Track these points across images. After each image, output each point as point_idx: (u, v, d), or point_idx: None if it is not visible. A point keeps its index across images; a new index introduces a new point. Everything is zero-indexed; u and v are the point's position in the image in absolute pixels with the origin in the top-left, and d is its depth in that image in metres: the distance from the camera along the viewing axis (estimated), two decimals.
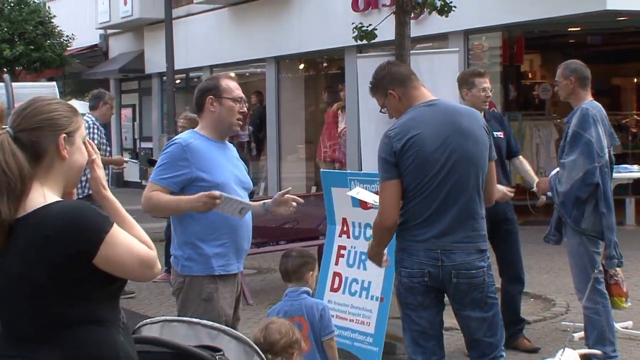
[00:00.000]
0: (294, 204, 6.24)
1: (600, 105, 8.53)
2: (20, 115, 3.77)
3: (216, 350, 4.14)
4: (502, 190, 8.62)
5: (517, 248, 9.39)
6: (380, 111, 6.31)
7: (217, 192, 5.80)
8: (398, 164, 5.79)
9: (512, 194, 8.63)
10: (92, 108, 13.32)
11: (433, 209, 5.77)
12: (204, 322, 4.50)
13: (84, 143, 3.96)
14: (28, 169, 3.62)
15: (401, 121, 5.90)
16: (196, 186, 5.98)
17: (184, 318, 4.49)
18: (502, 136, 9.12)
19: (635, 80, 24.36)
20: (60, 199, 3.73)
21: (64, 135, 3.76)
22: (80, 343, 3.66)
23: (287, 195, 6.25)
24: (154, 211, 6.14)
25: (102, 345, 3.70)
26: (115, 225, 3.68)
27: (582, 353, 8.09)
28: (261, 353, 4.49)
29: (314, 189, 22.38)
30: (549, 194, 8.77)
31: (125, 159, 18.91)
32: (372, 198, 6.99)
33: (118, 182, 29.07)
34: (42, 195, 3.65)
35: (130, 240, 3.73)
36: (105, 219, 3.69)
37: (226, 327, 4.53)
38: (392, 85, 6.06)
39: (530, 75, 22.71)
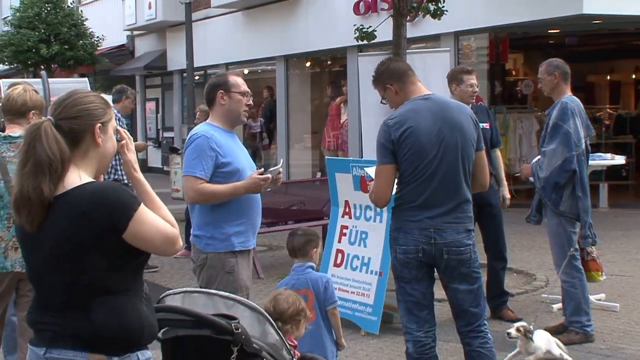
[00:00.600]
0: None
1: (578, 99, 8.57)
2: (61, 105, 3.84)
3: (232, 318, 4.18)
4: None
5: (500, 229, 9.41)
6: (381, 102, 6.32)
7: (268, 175, 6.07)
8: (395, 151, 5.80)
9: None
10: (115, 101, 13.37)
11: (427, 193, 5.78)
12: (221, 293, 4.56)
13: (118, 130, 4.07)
14: (67, 153, 3.70)
15: (399, 112, 5.91)
16: (219, 172, 6.09)
17: (203, 289, 4.51)
18: (487, 127, 9.14)
19: (608, 77, 24.41)
20: (93, 180, 3.81)
21: (99, 124, 3.85)
22: (107, 311, 3.70)
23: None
24: (209, 201, 6.10)
25: (127, 313, 3.75)
26: (142, 205, 3.76)
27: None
28: (272, 320, 4.51)
29: (318, 174, 22.41)
30: (531, 178, 8.80)
31: (148, 143, 18.97)
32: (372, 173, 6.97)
33: (142, 167, 28.84)
34: (78, 176, 3.74)
35: (156, 218, 3.80)
36: (134, 198, 3.77)
37: (241, 298, 4.57)
38: (391, 79, 6.07)
39: (514, 73, 22.72)
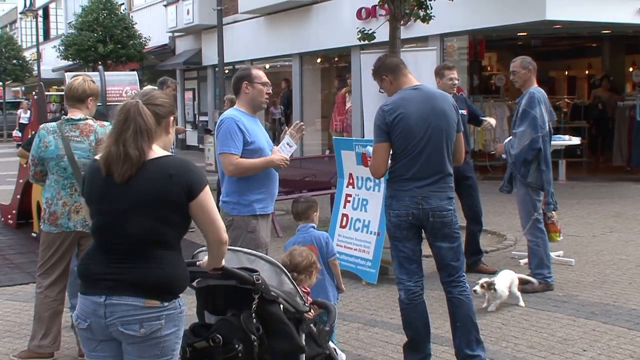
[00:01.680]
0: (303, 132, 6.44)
1: (543, 90, 8.60)
2: (148, 95, 3.97)
3: (254, 271, 4.23)
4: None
5: (476, 197, 9.41)
6: (380, 91, 6.29)
7: (286, 155, 6.19)
8: (389, 132, 5.78)
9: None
10: (159, 90, 13.33)
11: (416, 168, 5.75)
12: (245, 250, 4.63)
13: None
14: (154, 126, 3.82)
15: (393, 99, 5.88)
16: (245, 149, 6.08)
17: (230, 247, 4.43)
18: (465, 113, 9.14)
19: (566, 73, 24.39)
20: (169, 154, 3.89)
21: (173, 117, 4.05)
22: (164, 262, 3.77)
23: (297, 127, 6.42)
24: (244, 173, 6.08)
25: (178, 266, 3.84)
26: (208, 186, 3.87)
27: (520, 277, 8.18)
28: (287, 272, 4.55)
29: (327, 152, 22.42)
30: (504, 155, 8.81)
31: (184, 128, 18.91)
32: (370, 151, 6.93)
33: (182, 146, 29.18)
34: (155, 148, 3.83)
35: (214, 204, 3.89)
36: (205, 177, 3.88)
37: (261, 254, 4.60)
38: (386, 72, 6.03)
39: (489, 68, 22.65)
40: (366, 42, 12.90)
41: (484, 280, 7.82)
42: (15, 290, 8.98)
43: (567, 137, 11.19)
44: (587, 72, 24.39)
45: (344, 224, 9.38)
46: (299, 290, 4.55)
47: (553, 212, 9.05)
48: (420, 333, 5.92)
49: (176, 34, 32.70)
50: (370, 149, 6.64)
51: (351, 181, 9.36)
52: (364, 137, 11.42)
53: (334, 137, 17.85)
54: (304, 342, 4.44)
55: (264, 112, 23.65)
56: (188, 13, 29.26)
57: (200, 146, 27.00)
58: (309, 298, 5.00)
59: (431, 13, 12.54)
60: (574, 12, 16.49)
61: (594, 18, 16.86)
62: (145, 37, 31.29)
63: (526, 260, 9.04)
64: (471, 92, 19.09)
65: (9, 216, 13.45)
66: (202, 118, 31.23)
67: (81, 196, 5.52)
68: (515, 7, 16.72)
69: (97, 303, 3.75)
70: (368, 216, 9.04)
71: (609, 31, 19.58)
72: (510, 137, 8.73)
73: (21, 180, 12.79)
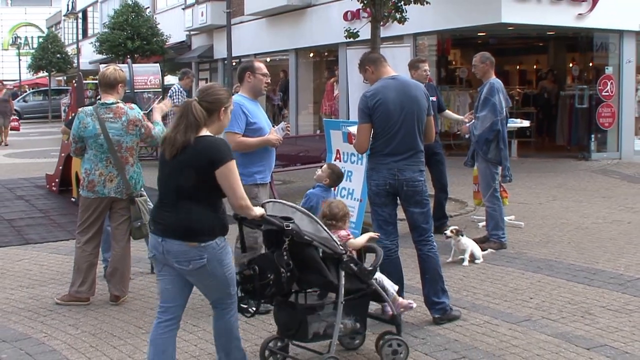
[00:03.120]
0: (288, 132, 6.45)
1: (500, 81, 8.58)
2: (204, 92, 4.36)
3: (288, 219, 4.52)
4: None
5: (443, 170, 9.38)
6: (364, 82, 6.25)
7: (278, 137, 6.20)
8: (370, 115, 5.74)
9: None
10: (180, 79, 13.26)
11: (392, 145, 5.71)
12: (289, 203, 4.78)
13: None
14: (206, 119, 4.23)
15: (374, 87, 5.83)
16: (248, 129, 6.08)
17: (282, 201, 4.85)
18: (435, 100, 9.09)
19: (518, 67, 24.27)
20: (210, 135, 4.27)
21: (224, 108, 4.36)
22: (192, 212, 4.16)
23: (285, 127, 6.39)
24: (245, 150, 6.04)
25: (208, 215, 4.19)
26: (234, 162, 4.18)
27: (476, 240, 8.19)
28: (320, 222, 4.72)
29: (318, 131, 22.38)
30: (467, 135, 8.82)
31: None
32: (354, 130, 6.87)
33: None
34: (205, 132, 4.23)
35: (238, 178, 4.23)
36: (232, 154, 4.21)
37: (300, 207, 4.74)
38: (368, 64, 5.99)
39: (454, 63, 22.45)
40: (351, 39, 12.81)
41: (453, 227, 7.91)
42: (58, 245, 8.95)
43: (519, 120, 11.18)
44: (535, 66, 24.29)
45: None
46: (333, 236, 4.71)
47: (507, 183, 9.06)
48: (395, 284, 5.90)
49: (192, 32, 32.53)
50: (352, 128, 6.61)
51: (338, 156, 9.30)
52: (349, 119, 11.36)
53: (324, 119, 17.81)
54: (341, 279, 4.65)
55: (266, 99, 23.58)
56: (202, 15, 29.19)
57: None
58: (349, 237, 5.19)
59: (406, 15, 12.48)
60: (525, 17, 16.44)
61: (541, 22, 16.83)
62: (166, 35, 31.13)
63: (484, 223, 9.03)
64: (439, 83, 19.00)
65: (53, 184, 13.40)
66: None
67: (115, 167, 5.69)
68: (476, 12, 16.66)
69: (157, 241, 4.24)
70: (352, 185, 8.98)
71: (553, 33, 19.51)
72: (473, 120, 8.71)
73: (63, 154, 12.74)
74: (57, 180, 13.12)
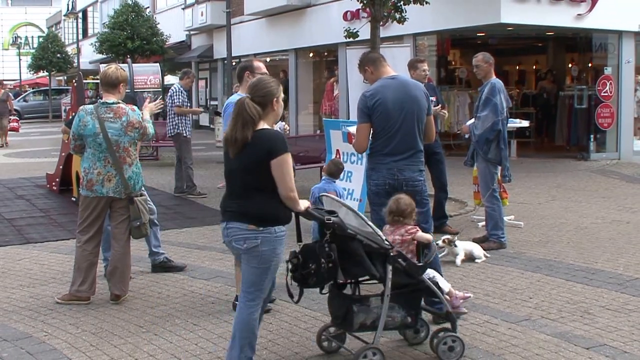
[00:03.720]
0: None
1: (501, 81, 8.59)
2: (255, 88, 4.55)
3: (332, 213, 4.71)
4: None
5: (443, 170, 9.38)
6: (364, 81, 6.26)
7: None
8: (370, 115, 5.75)
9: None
10: (180, 79, 13.20)
11: (392, 145, 5.72)
12: (337, 199, 5.05)
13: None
14: (260, 113, 4.45)
15: (374, 87, 5.83)
16: None
17: (332, 196, 5.12)
18: (434, 100, 9.09)
19: (517, 67, 24.28)
20: (270, 128, 4.53)
21: (275, 99, 4.55)
22: (259, 200, 4.46)
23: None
24: None
25: (269, 203, 4.47)
26: (289, 155, 4.44)
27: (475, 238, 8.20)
28: (364, 217, 4.89)
29: (317, 131, 22.35)
30: (467, 135, 8.84)
31: (202, 109, 18.85)
32: (354, 130, 6.89)
33: (196, 126, 29.14)
34: (262, 125, 4.46)
35: (291, 171, 4.47)
36: (287, 147, 4.45)
37: (346, 203, 4.94)
38: (368, 64, 6.00)
39: (453, 63, 22.45)
40: (351, 39, 12.80)
41: (446, 237, 7.88)
42: (59, 245, 8.95)
43: (518, 120, 11.18)
44: (534, 67, 24.30)
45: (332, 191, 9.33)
46: (378, 231, 4.84)
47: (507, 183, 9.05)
48: None
49: (192, 32, 32.54)
50: (352, 128, 6.63)
51: (338, 156, 9.31)
52: (349, 119, 11.38)
53: (324, 118, 17.81)
54: (388, 273, 4.78)
55: None
56: (202, 15, 29.22)
57: (211, 126, 26.92)
58: (416, 230, 5.27)
59: (405, 16, 12.47)
60: (524, 17, 16.44)
61: (540, 22, 16.83)
62: (166, 35, 31.10)
63: (484, 223, 9.02)
64: (439, 83, 19.01)
65: (53, 183, 13.40)
66: (213, 102, 31.13)
67: (113, 167, 5.77)
68: (475, 12, 16.66)
69: (223, 227, 4.59)
70: (352, 185, 8.99)
71: (552, 33, 19.53)
72: (474, 120, 8.70)
73: (63, 154, 12.75)
74: (57, 179, 13.12)
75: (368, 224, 4.80)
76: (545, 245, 8.58)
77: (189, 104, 13.30)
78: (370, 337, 4.90)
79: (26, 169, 17.32)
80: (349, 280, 4.97)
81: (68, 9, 46.50)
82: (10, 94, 31.38)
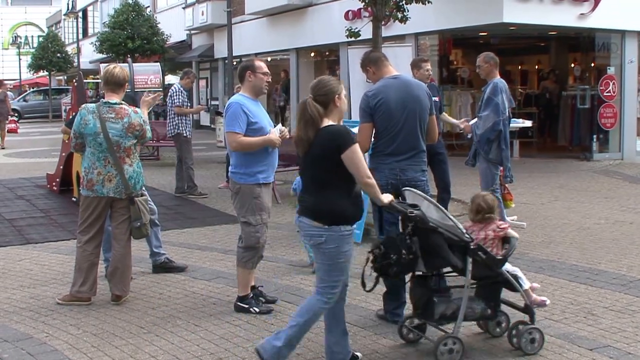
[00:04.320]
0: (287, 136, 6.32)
1: (504, 81, 8.59)
2: (316, 87, 4.74)
3: (414, 206, 4.91)
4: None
5: (446, 170, 9.38)
6: (367, 81, 6.26)
7: (278, 137, 6.11)
8: (372, 114, 5.74)
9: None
10: (181, 79, 13.20)
11: (395, 145, 5.71)
12: (421, 193, 5.18)
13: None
14: (322, 112, 4.63)
15: (376, 86, 5.83)
16: (250, 129, 6.00)
17: (418, 192, 5.26)
18: (437, 100, 9.09)
19: (519, 67, 24.28)
20: (335, 124, 4.70)
21: (337, 95, 4.73)
22: (325, 196, 4.63)
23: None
24: (245, 149, 6.00)
25: (337, 200, 4.62)
26: (357, 145, 4.60)
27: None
28: (446, 211, 5.03)
29: None
30: (469, 135, 8.84)
31: (203, 107, 18.84)
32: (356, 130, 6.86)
33: (197, 125, 29.16)
34: (326, 122, 4.64)
35: (362, 159, 4.65)
36: (354, 138, 4.62)
37: (429, 198, 5.14)
38: (369, 64, 6.00)
39: (455, 63, 22.45)
40: (353, 39, 12.80)
41: None
42: (59, 245, 8.95)
43: (521, 120, 11.19)
44: (536, 66, 24.30)
45: None
46: (459, 225, 5.00)
47: (509, 184, 9.05)
48: (397, 283, 5.89)
49: (192, 32, 32.57)
50: (355, 129, 6.62)
51: None
52: (350, 119, 11.35)
53: None
54: (468, 265, 4.94)
55: (267, 98, 23.54)
56: (203, 14, 29.25)
57: (212, 126, 26.94)
58: (506, 225, 5.41)
59: (407, 15, 12.46)
60: (526, 16, 16.45)
61: (543, 21, 16.84)
62: (166, 35, 31.13)
63: None
64: (440, 83, 19.02)
65: (54, 183, 13.40)
66: (214, 102, 31.15)
67: (113, 167, 5.79)
68: (478, 11, 16.66)
69: (297, 219, 4.90)
70: None
71: (555, 32, 19.53)
72: (476, 120, 8.70)
73: (64, 154, 12.75)
74: (57, 179, 13.13)
75: (449, 217, 4.96)
76: (548, 246, 8.58)
77: (189, 104, 13.30)
78: (450, 328, 5.07)
79: (26, 169, 17.33)
80: (431, 272, 5.14)
81: (68, 9, 46.56)
82: (10, 94, 31.40)
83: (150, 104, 7.02)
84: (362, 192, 4.78)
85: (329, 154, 4.56)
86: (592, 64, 19.94)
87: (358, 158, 4.58)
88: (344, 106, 4.76)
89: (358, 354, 5.04)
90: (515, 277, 5.31)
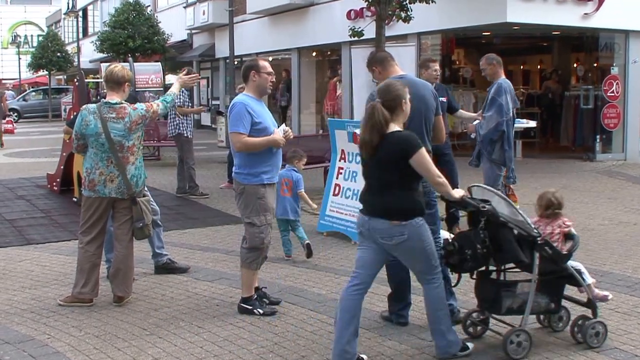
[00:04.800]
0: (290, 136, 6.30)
1: (509, 81, 8.59)
2: (384, 92, 4.96)
3: (486, 201, 5.08)
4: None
5: (454, 170, 9.33)
6: (373, 81, 6.23)
7: (283, 137, 6.10)
8: None
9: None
10: None
11: None
12: (490, 188, 5.35)
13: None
14: (389, 117, 4.84)
15: None
16: (254, 129, 5.97)
17: (479, 184, 5.52)
18: (445, 100, 9.09)
19: (522, 67, 24.27)
20: (401, 129, 4.92)
21: (404, 101, 4.96)
22: (394, 196, 4.86)
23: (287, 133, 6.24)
24: (249, 150, 5.98)
25: (404, 198, 4.86)
26: (423, 149, 4.81)
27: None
28: (516, 207, 5.20)
29: (320, 131, 22.36)
30: (473, 135, 8.85)
31: (203, 108, 18.86)
32: None
33: (197, 125, 29.14)
34: (393, 127, 4.86)
35: (430, 162, 4.87)
36: (420, 143, 4.84)
37: (501, 194, 5.27)
38: (375, 64, 5.98)
39: (457, 62, 22.42)
40: (356, 38, 12.78)
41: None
42: (60, 246, 8.93)
43: (525, 121, 11.18)
44: (539, 66, 24.30)
45: (336, 192, 9.29)
46: (528, 220, 5.17)
47: (513, 185, 9.02)
48: (403, 285, 5.87)
49: (193, 31, 32.54)
50: (356, 130, 6.60)
51: (343, 156, 9.28)
52: (352, 119, 11.35)
53: (329, 118, 17.80)
54: (535, 259, 5.09)
55: (269, 98, 23.52)
56: (204, 13, 29.23)
57: (213, 126, 26.92)
58: (569, 228, 5.55)
59: (411, 14, 12.43)
60: (530, 16, 16.40)
61: (546, 21, 16.80)
62: (167, 34, 31.07)
63: None
64: (443, 82, 18.98)
65: (54, 183, 13.38)
66: (214, 102, 31.15)
67: (116, 168, 5.78)
68: (481, 11, 16.62)
69: (364, 220, 4.95)
70: (357, 186, 8.94)
71: (558, 32, 19.51)
72: (479, 120, 8.70)
73: (64, 154, 12.73)
74: (58, 180, 13.10)
75: (519, 213, 5.11)
76: None
77: (190, 104, 13.28)
78: (511, 321, 5.34)
79: (26, 169, 17.31)
80: (500, 267, 5.32)
81: (68, 8, 46.58)
82: (10, 93, 31.37)
83: (187, 84, 7.18)
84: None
85: (397, 159, 4.79)
86: (595, 64, 19.92)
87: (427, 161, 4.83)
88: (408, 110, 5.00)
89: (364, 356, 5.02)
90: (579, 271, 5.47)
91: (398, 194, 4.84)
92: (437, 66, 9.14)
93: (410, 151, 4.76)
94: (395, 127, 4.87)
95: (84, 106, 6.61)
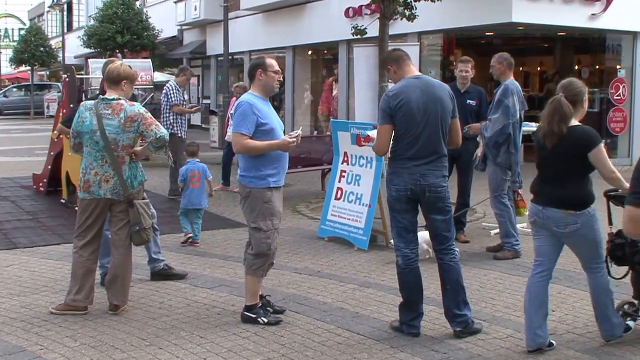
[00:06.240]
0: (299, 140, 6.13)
1: (517, 83, 8.51)
2: (568, 88, 5.28)
3: None
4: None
5: (467, 174, 9.34)
6: (388, 81, 6.16)
7: (293, 140, 5.97)
8: (392, 115, 5.62)
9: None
10: (177, 76, 13.08)
11: (415, 148, 5.59)
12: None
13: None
14: (572, 111, 5.19)
15: (397, 86, 5.72)
16: (260, 130, 5.88)
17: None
18: (473, 104, 9.07)
19: (521, 68, 24.30)
20: (580, 124, 5.25)
21: (584, 97, 5.35)
22: (571, 186, 5.20)
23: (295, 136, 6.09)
24: (249, 153, 5.89)
25: (581, 188, 5.22)
26: (602, 144, 5.16)
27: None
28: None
29: (315, 132, 22.31)
30: (478, 138, 8.77)
31: (201, 107, 18.82)
32: (374, 134, 6.74)
33: (187, 125, 29.01)
34: (574, 121, 5.21)
35: (607, 158, 5.17)
36: (599, 138, 5.16)
37: None
38: (391, 62, 5.90)
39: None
40: (358, 36, 12.70)
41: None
42: (49, 250, 8.76)
43: (533, 124, 11.08)
44: (539, 68, 24.38)
45: (338, 196, 9.21)
46: None
47: (520, 190, 8.93)
48: (415, 294, 5.79)
49: (184, 27, 32.53)
50: (373, 133, 6.53)
51: (346, 159, 9.19)
52: (348, 119, 11.28)
53: (332, 119, 17.72)
54: None
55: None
56: (195, 9, 29.25)
57: (204, 126, 26.85)
58: None
59: (415, 13, 12.37)
60: (536, 16, 16.44)
61: (552, 22, 16.84)
62: (157, 30, 31.02)
63: (497, 230, 8.94)
64: (443, 82, 19.01)
65: (40, 184, 13.22)
66: (205, 101, 31.10)
67: (111, 167, 5.57)
68: (485, 10, 16.62)
69: (538, 209, 5.32)
70: (361, 190, 8.87)
71: (564, 33, 19.50)
72: (485, 122, 8.62)
73: (52, 153, 12.57)
74: (45, 180, 12.95)
75: None
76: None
77: (185, 103, 13.16)
78: None
79: (9, 169, 17.11)
80: None
81: (53, 1, 46.28)
82: None
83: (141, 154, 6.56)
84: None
85: (577, 152, 5.11)
86: (598, 67, 19.92)
87: (604, 156, 5.15)
88: (586, 107, 5.36)
89: (553, 341, 5.50)
90: None
91: (573, 184, 5.18)
92: (464, 66, 9.08)
93: (591, 145, 5.09)
94: (575, 121, 5.18)
95: (82, 102, 6.55)
